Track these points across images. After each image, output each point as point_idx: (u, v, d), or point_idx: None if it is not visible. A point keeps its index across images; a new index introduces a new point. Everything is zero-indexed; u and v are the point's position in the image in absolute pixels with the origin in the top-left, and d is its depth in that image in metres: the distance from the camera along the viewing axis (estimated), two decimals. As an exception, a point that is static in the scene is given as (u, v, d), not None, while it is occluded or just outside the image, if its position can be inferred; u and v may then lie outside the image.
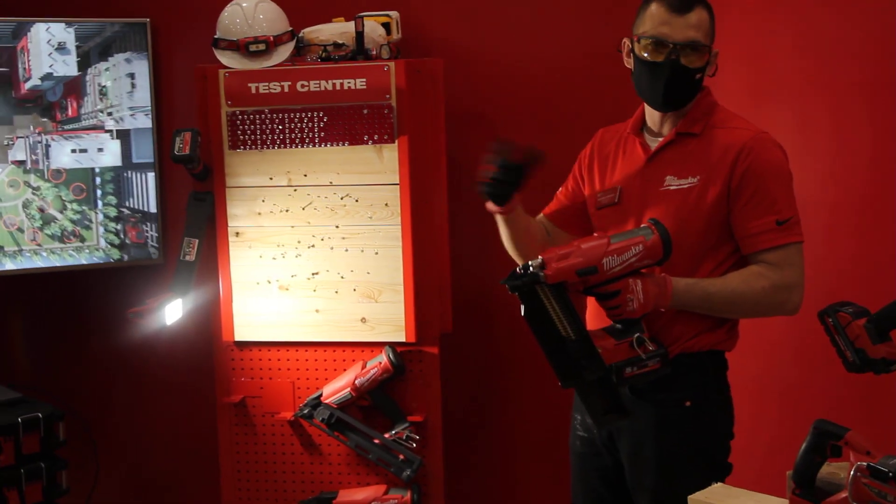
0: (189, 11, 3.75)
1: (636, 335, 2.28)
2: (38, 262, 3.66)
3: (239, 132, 3.24)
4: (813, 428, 1.98)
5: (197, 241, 3.23)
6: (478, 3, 3.58)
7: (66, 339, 4.02)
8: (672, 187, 2.42)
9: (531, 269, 2.18)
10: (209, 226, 3.28)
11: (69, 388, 3.94)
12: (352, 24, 3.24)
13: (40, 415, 3.38)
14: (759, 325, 2.54)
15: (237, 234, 3.28)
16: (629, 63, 2.45)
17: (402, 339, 3.23)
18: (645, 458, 2.46)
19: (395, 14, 3.37)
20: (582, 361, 2.21)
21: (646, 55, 2.38)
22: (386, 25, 3.34)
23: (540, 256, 2.21)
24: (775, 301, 2.37)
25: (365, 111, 3.16)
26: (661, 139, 2.48)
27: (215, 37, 3.22)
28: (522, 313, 2.21)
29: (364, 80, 3.15)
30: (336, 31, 3.28)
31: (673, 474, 2.42)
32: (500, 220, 2.54)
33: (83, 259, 3.71)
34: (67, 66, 3.63)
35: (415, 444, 3.21)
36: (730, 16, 3.17)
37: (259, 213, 3.26)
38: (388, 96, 3.15)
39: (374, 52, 3.23)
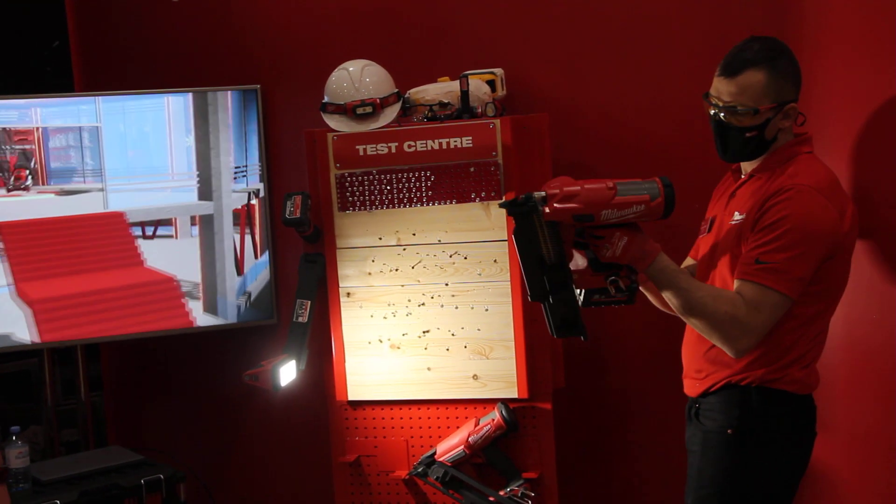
0: (296, 77, 3.83)
1: (612, 278, 2.41)
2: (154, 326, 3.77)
3: (348, 194, 3.28)
4: None
5: (309, 302, 3.28)
6: (581, 55, 3.57)
7: (184, 401, 4.11)
8: (733, 221, 2.52)
9: (532, 199, 2.35)
10: (321, 287, 3.33)
11: (189, 449, 4.01)
12: (457, 83, 3.27)
13: (162, 476, 3.46)
14: None
15: (348, 294, 3.32)
16: None
17: (515, 395, 3.21)
18: (692, 477, 2.60)
19: (499, 71, 3.39)
20: (554, 284, 2.39)
21: (709, 112, 2.53)
22: (490, 83, 3.36)
23: (544, 190, 2.36)
24: (729, 332, 2.39)
25: (472, 169, 3.18)
26: (742, 178, 2.60)
27: (323, 101, 3.28)
28: (513, 232, 2.40)
29: (470, 138, 3.17)
30: (441, 90, 3.31)
31: (708, 497, 2.54)
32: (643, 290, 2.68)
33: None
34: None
35: (530, 502, 3.17)
36: (835, 56, 3.10)
37: (369, 273, 3.29)
38: (494, 153, 3.16)
39: (480, 110, 3.24)
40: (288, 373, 3.24)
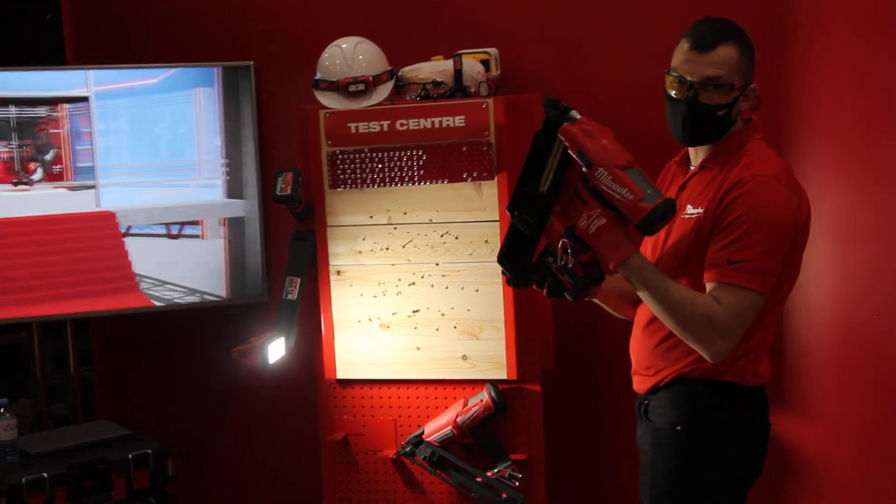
0: (289, 53, 3.81)
1: (563, 241, 2.30)
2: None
3: (339, 171, 3.27)
4: None
5: (299, 279, 3.27)
6: (576, 37, 3.56)
7: (174, 377, 4.11)
8: (686, 216, 2.43)
9: (569, 113, 2.27)
10: (311, 265, 3.32)
11: (178, 425, 4.02)
12: (450, 62, 3.25)
13: (150, 451, 3.46)
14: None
15: (338, 272, 3.31)
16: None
17: (504, 376, 3.20)
18: (644, 476, 2.55)
19: (493, 51, 3.37)
20: (527, 209, 2.32)
21: (672, 92, 2.43)
22: (485, 62, 3.34)
23: (578, 114, 2.27)
24: (706, 335, 2.29)
25: (464, 148, 3.17)
26: (692, 169, 2.52)
27: (316, 78, 3.27)
28: (536, 132, 2.32)
29: (463, 117, 3.16)
30: (435, 69, 3.29)
31: (662, 497, 2.49)
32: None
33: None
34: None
35: (518, 483, 3.17)
36: (832, 40, 3.10)
37: (360, 252, 3.28)
38: (486, 133, 3.15)
39: (473, 90, 3.23)
40: (276, 350, 3.24)
